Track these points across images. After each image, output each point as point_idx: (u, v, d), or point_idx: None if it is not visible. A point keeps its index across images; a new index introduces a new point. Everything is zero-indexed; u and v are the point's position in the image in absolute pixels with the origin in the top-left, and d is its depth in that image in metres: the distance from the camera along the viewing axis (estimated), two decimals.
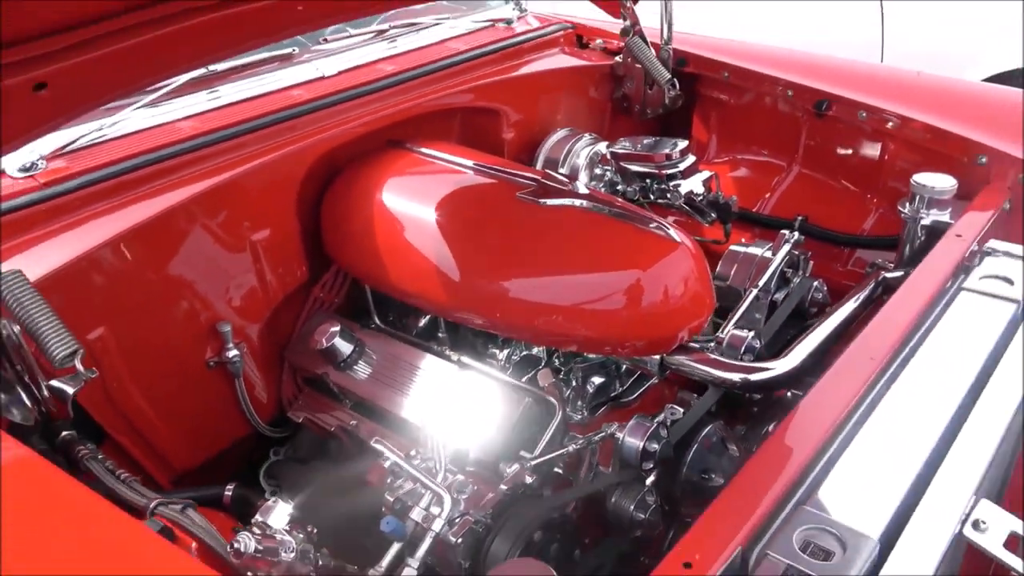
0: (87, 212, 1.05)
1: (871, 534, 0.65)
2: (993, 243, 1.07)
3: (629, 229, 1.03)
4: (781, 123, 1.54)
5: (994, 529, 0.67)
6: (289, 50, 1.36)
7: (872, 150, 1.40)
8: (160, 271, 1.09)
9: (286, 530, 0.77)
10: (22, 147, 1.02)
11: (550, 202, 1.06)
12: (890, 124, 1.36)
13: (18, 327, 0.84)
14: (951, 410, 0.80)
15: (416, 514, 0.81)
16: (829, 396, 0.81)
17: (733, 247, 1.33)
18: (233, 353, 1.17)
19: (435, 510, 0.81)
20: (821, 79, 1.46)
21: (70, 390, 0.85)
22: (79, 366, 0.83)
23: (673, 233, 1.02)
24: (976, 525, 0.68)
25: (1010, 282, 0.99)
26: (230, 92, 1.26)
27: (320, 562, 0.82)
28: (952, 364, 0.87)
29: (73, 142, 1.09)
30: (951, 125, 1.29)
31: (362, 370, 1.20)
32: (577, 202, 1.08)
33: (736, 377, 0.99)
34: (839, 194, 1.47)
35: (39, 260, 0.96)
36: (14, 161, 1.05)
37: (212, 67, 1.24)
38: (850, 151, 1.44)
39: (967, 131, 1.27)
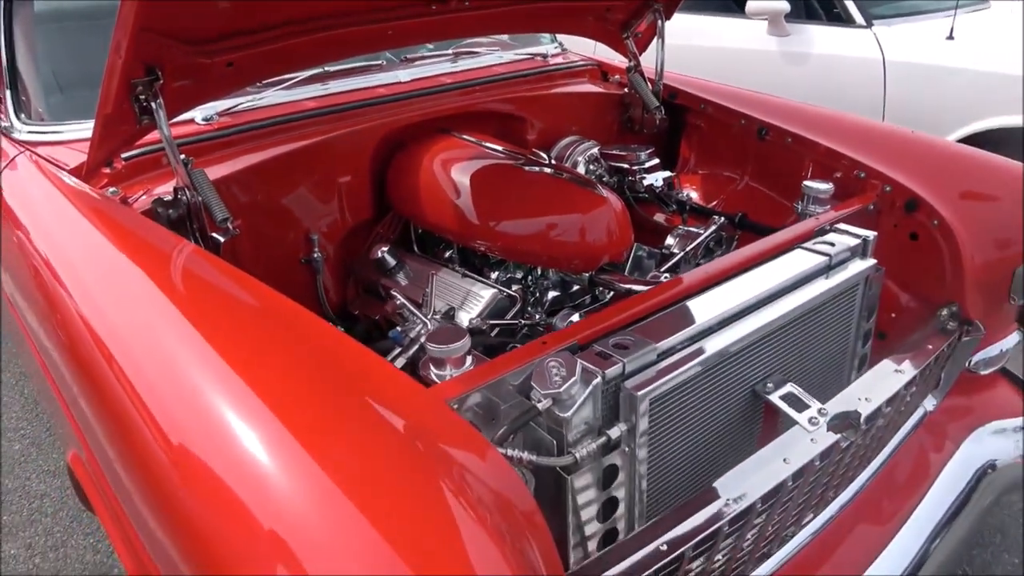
0: (238, 149, 1.65)
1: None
2: (842, 225, 1.52)
3: (576, 188, 1.56)
4: (737, 145, 2.02)
5: None
6: (380, 61, 1.97)
7: (794, 166, 1.86)
8: (280, 190, 1.67)
9: None
10: (210, 103, 1.63)
11: (530, 168, 1.60)
12: (804, 147, 1.82)
13: (198, 199, 1.43)
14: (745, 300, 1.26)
15: (411, 331, 1.35)
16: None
17: (680, 227, 1.82)
18: (317, 255, 1.75)
19: (421, 329, 1.35)
20: (765, 113, 1.94)
21: (221, 239, 1.42)
22: (229, 226, 1.41)
23: (606, 193, 1.53)
24: None
25: (832, 245, 1.44)
26: (336, 86, 1.86)
27: None
28: (758, 279, 1.32)
29: (236, 106, 1.71)
30: (846, 150, 1.75)
31: (401, 279, 1.75)
32: (548, 171, 1.61)
33: (638, 288, 1.47)
34: (770, 199, 1.93)
35: (211, 171, 1.56)
36: (199, 113, 1.67)
37: (326, 68, 1.85)
38: (780, 167, 1.91)
39: (855, 154, 1.73)
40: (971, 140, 2.68)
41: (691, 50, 3.50)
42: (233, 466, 0.81)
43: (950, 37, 2.81)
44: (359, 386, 0.92)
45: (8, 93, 1.75)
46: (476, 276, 1.66)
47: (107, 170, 1.54)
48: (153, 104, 1.32)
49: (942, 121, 2.73)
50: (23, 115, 1.75)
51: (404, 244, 1.86)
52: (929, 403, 1.67)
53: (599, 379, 1.06)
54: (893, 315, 1.68)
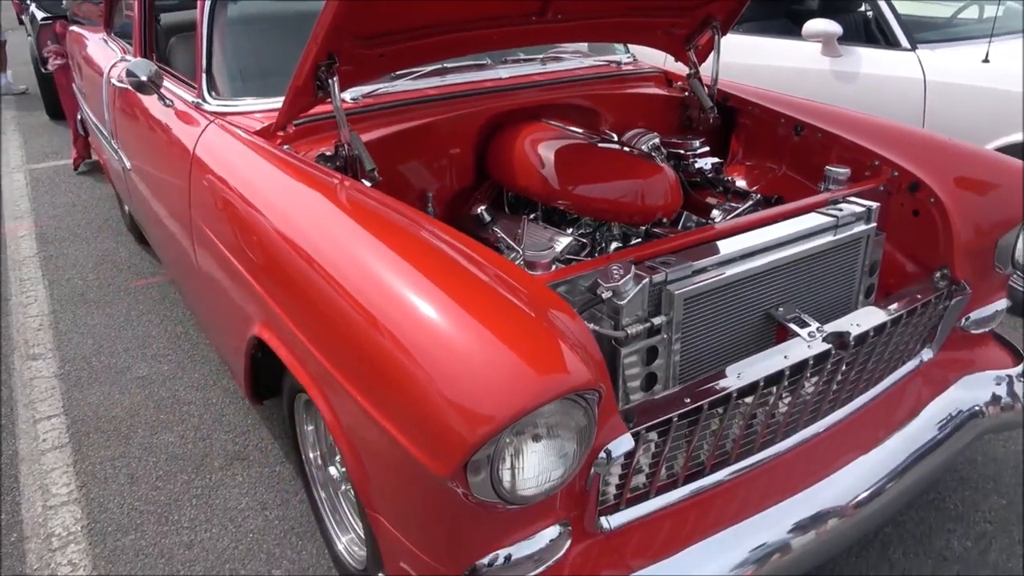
0: (376, 123, 2.12)
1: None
2: (852, 198, 1.90)
3: (638, 160, 1.98)
4: (777, 140, 2.40)
5: None
6: (485, 61, 2.44)
7: (823, 157, 2.23)
8: (404, 156, 2.14)
9: None
10: (359, 86, 2.12)
11: (602, 145, 2.03)
12: (830, 141, 2.20)
13: (354, 153, 1.89)
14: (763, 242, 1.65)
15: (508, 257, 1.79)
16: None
17: (724, 203, 2.22)
18: (431, 211, 2.21)
19: (516, 256, 1.79)
20: (801, 114, 2.32)
21: (368, 184, 1.89)
22: (376, 174, 1.87)
23: (662, 164, 1.95)
24: None
25: (840, 210, 1.81)
26: (451, 79, 2.33)
27: None
28: (777, 230, 1.71)
29: (376, 90, 2.20)
30: (865, 142, 2.12)
31: (496, 231, 2.19)
32: (616, 147, 2.04)
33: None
34: (803, 185, 2.31)
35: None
36: (349, 94, 2.16)
37: (445, 64, 2.33)
38: (811, 158, 2.28)
39: (872, 146, 2.09)
40: (1004, 151, 2.98)
41: (756, 68, 3.88)
42: (407, 314, 1.26)
43: (985, 60, 3.12)
44: (488, 268, 1.36)
45: (204, 77, 2.28)
46: (556, 229, 2.09)
47: (281, 133, 2.04)
48: (330, 81, 1.81)
49: (974, 136, 3.03)
50: (213, 92, 2.28)
51: (497, 206, 2.31)
52: (926, 354, 2.01)
53: (647, 280, 1.47)
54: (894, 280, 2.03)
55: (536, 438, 1.17)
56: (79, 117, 5.08)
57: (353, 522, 1.92)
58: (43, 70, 6.76)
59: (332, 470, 1.93)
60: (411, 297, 1.30)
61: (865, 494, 1.66)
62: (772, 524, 1.55)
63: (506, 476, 1.16)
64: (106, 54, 3.59)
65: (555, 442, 1.18)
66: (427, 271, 1.36)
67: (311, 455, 2.00)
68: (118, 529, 2.15)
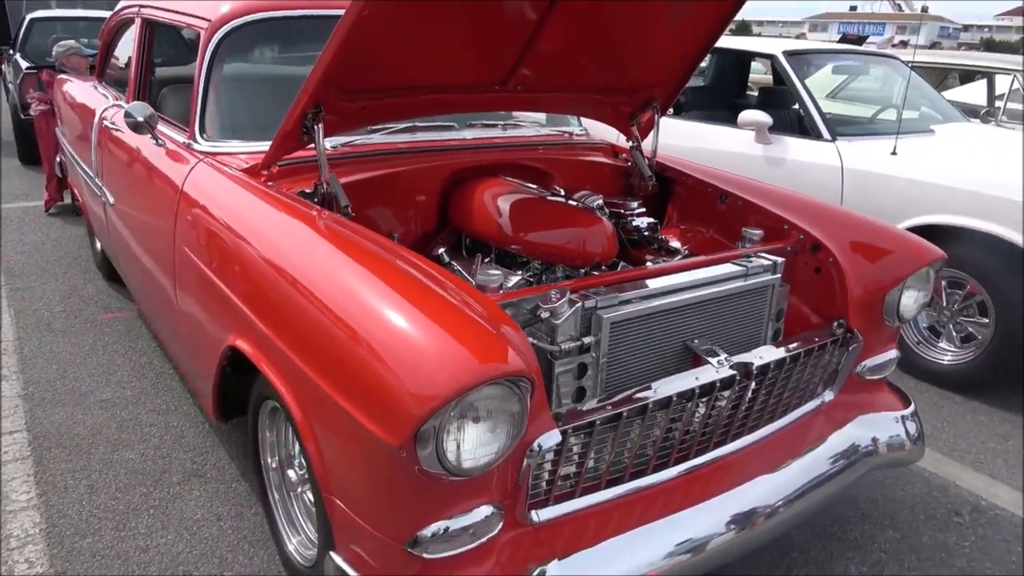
0: (352, 168, 2.37)
1: None
2: (763, 253, 2.20)
3: (581, 212, 2.27)
4: (705, 206, 2.73)
5: None
6: (452, 123, 2.74)
7: (743, 222, 2.55)
8: (374, 199, 2.38)
9: None
10: (340, 135, 2.38)
11: (550, 198, 2.32)
12: (749, 208, 2.53)
13: (331, 191, 2.14)
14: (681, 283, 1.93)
15: None
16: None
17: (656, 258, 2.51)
18: None
19: None
20: (727, 185, 2.66)
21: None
22: (349, 211, 2.12)
23: (602, 217, 2.24)
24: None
25: (750, 261, 2.11)
26: (421, 136, 2.62)
27: None
28: (695, 274, 1.99)
29: (353, 140, 2.47)
30: (778, 210, 2.44)
31: (454, 267, 2.44)
32: (562, 200, 2.33)
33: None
34: (726, 246, 2.61)
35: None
36: (329, 142, 2.42)
37: (416, 122, 2.62)
38: (734, 223, 2.60)
39: (783, 214, 2.42)
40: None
41: (699, 151, 4.26)
42: (370, 314, 1.50)
43: (894, 153, 3.55)
44: (446, 284, 1.60)
45: (198, 119, 2.53)
46: (507, 269, 2.35)
47: (264, 172, 2.29)
48: (316, 127, 2.07)
49: (886, 217, 3.42)
50: (204, 134, 2.53)
51: (456, 250, 2.56)
52: (828, 395, 2.29)
53: (580, 304, 1.73)
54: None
55: (476, 420, 1.39)
56: (58, 159, 5.26)
57: (304, 524, 2.07)
58: (22, 116, 6.95)
59: (291, 473, 2.09)
60: (374, 301, 1.54)
61: (767, 507, 1.90)
62: (686, 525, 1.77)
63: (451, 448, 1.36)
64: (97, 99, 3.83)
65: (491, 423, 1.40)
66: (390, 282, 1.60)
67: (269, 460, 2.16)
68: (76, 533, 2.25)
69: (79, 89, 4.31)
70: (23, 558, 2.14)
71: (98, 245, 4.37)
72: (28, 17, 8.11)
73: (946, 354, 3.53)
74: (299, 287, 1.71)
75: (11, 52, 8.44)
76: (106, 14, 8.64)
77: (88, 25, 7.87)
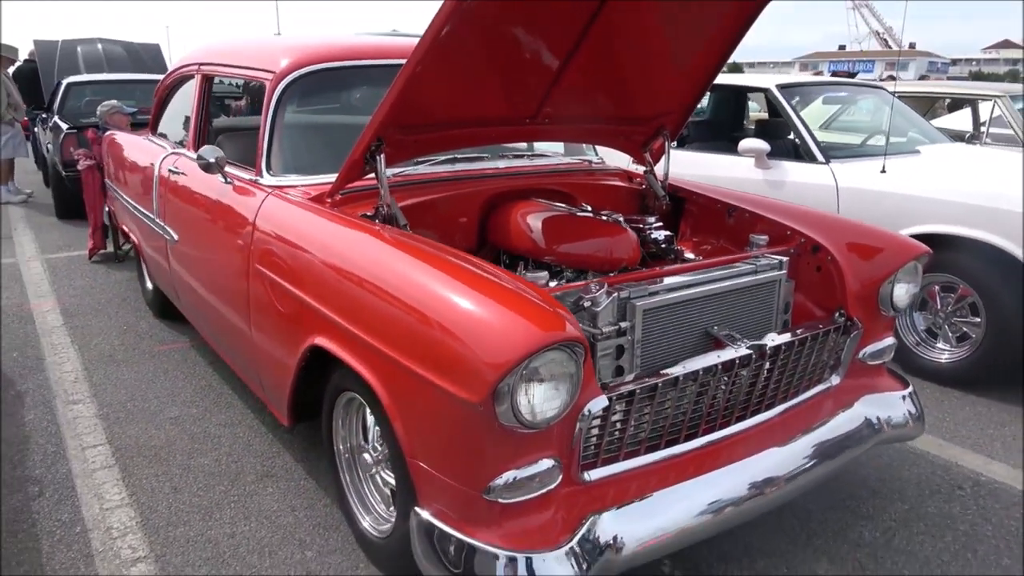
0: (403, 194, 2.71)
1: None
2: (768, 254, 2.51)
3: (607, 224, 2.60)
4: (715, 221, 3.05)
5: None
6: (486, 154, 3.08)
7: (749, 232, 2.86)
8: (422, 221, 2.71)
9: None
10: (394, 166, 2.72)
11: (579, 214, 2.65)
12: (755, 219, 2.84)
13: (391, 212, 2.47)
14: (700, 278, 2.24)
15: None
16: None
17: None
18: None
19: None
20: (733, 201, 2.98)
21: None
22: (408, 229, 2.44)
23: (626, 227, 2.56)
24: None
25: (758, 260, 2.41)
26: (460, 166, 2.96)
27: None
28: (713, 271, 2.30)
29: (402, 171, 2.81)
30: (781, 219, 2.76)
31: None
32: (590, 214, 2.65)
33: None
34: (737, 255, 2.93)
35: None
36: (388, 171, 2.76)
37: (455, 154, 2.96)
38: (741, 234, 2.92)
39: (786, 222, 2.73)
40: None
41: (704, 177, 4.61)
42: (444, 302, 1.81)
43: (883, 171, 3.89)
44: (503, 276, 1.92)
45: (265, 157, 2.88)
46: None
47: (328, 200, 2.62)
48: (378, 158, 2.41)
49: None
50: (269, 171, 2.88)
51: (495, 265, 2.88)
52: (835, 379, 2.57)
53: (616, 294, 2.03)
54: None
55: (540, 380, 1.68)
56: (106, 209, 5.64)
57: (374, 504, 2.34)
58: (63, 173, 7.38)
59: (366, 456, 2.36)
60: (445, 290, 1.85)
61: (783, 473, 2.17)
62: (715, 484, 2.05)
63: (523, 403, 1.65)
64: (153, 150, 4.20)
65: (554, 383, 1.69)
66: (457, 275, 1.91)
67: (341, 447, 2.44)
68: (168, 524, 2.52)
69: (132, 142, 4.70)
70: (126, 544, 2.41)
71: (148, 284, 4.71)
72: (64, 82, 8.61)
73: (944, 353, 3.81)
74: (374, 285, 2.03)
75: (44, 115, 8.95)
76: (131, 77, 9.19)
77: (118, 87, 8.37)
